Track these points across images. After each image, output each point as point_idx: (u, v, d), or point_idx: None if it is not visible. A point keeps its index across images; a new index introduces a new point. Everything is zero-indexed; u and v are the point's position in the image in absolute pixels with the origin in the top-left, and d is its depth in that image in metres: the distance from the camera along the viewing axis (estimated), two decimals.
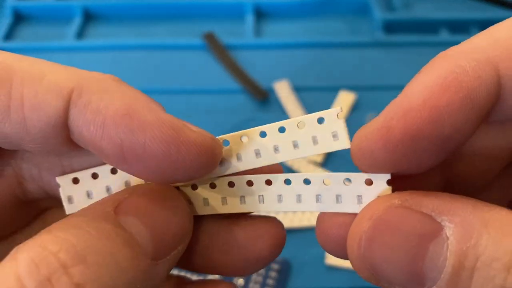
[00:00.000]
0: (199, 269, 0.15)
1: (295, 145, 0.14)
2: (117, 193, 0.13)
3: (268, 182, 0.14)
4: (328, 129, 0.13)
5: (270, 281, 0.28)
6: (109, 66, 0.40)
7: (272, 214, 0.15)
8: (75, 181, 0.14)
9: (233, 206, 0.14)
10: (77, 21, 0.44)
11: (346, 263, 0.28)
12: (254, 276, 0.28)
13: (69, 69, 0.13)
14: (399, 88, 0.44)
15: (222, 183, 0.14)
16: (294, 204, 0.14)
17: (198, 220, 0.14)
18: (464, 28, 0.44)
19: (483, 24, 0.43)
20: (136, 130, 0.12)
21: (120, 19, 0.45)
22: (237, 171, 0.14)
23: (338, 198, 0.13)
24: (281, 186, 0.14)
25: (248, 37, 0.43)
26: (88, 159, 0.14)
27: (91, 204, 0.13)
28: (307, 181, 0.14)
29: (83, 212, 0.12)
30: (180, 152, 0.12)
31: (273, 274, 0.28)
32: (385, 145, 0.12)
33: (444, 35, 0.43)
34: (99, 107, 0.12)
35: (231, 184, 0.14)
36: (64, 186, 0.14)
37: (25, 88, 0.12)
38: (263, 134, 0.14)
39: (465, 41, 0.12)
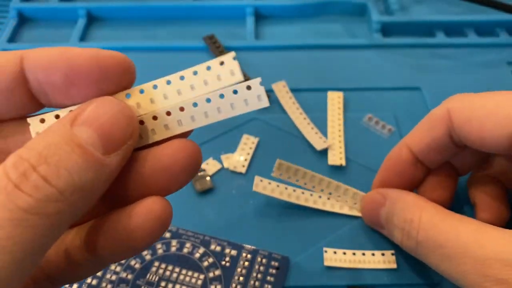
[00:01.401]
0: (136, 195, 0.18)
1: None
2: (73, 110, 0.17)
3: (181, 109, 0.18)
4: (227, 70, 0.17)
5: (270, 278, 0.28)
6: None
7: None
8: (42, 121, 0.18)
9: (162, 133, 0.18)
10: (80, 23, 0.45)
11: (343, 264, 0.29)
12: (255, 274, 0.28)
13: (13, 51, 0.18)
14: (396, 89, 0.45)
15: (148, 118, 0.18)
16: (204, 119, 0.18)
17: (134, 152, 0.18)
18: (460, 31, 0.44)
19: (479, 27, 0.44)
20: (72, 58, 0.17)
21: (123, 21, 0.46)
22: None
23: (232, 105, 0.17)
24: (191, 109, 0.18)
25: (248, 39, 0.43)
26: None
27: (54, 123, 0.16)
28: (208, 100, 0.17)
29: (47, 129, 0.16)
30: (104, 62, 0.17)
31: (273, 271, 0.28)
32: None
33: (440, 37, 0.44)
34: (43, 54, 0.17)
35: (155, 118, 0.18)
36: (33, 124, 0.18)
37: None
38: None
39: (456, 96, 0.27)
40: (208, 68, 0.17)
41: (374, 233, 0.30)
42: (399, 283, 0.28)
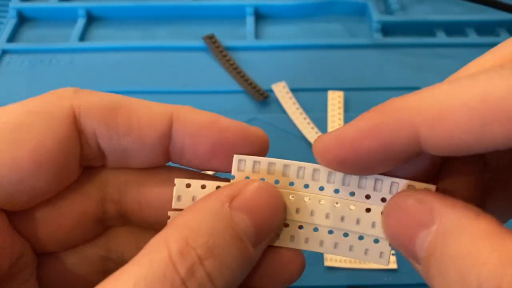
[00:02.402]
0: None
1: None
2: (229, 187, 0.16)
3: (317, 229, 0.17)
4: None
5: None
6: (112, 68, 0.41)
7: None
8: (188, 186, 0.17)
9: (286, 242, 0.17)
10: (80, 23, 0.45)
11: (344, 264, 0.29)
12: None
13: (163, 104, 0.18)
14: (396, 89, 0.45)
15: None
16: (331, 249, 0.17)
17: None
18: (460, 30, 0.44)
19: (480, 26, 0.44)
20: (222, 130, 0.17)
21: (123, 21, 0.46)
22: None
23: (350, 248, 0.17)
24: (325, 234, 0.17)
25: (248, 39, 0.43)
26: (161, 190, 0.18)
27: (209, 195, 0.16)
28: (345, 234, 0.17)
29: (206, 205, 0.15)
30: (251, 140, 0.17)
31: None
32: (325, 160, 0.16)
33: (441, 37, 0.44)
34: (193, 118, 0.17)
35: (285, 225, 0.17)
36: (178, 186, 0.17)
37: (141, 112, 0.17)
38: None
39: (404, 98, 0.15)
40: (368, 210, 0.17)
41: None
42: (399, 283, 0.28)
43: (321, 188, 0.17)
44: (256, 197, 0.16)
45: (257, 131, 0.18)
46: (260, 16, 0.46)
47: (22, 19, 0.46)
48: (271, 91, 0.39)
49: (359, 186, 0.17)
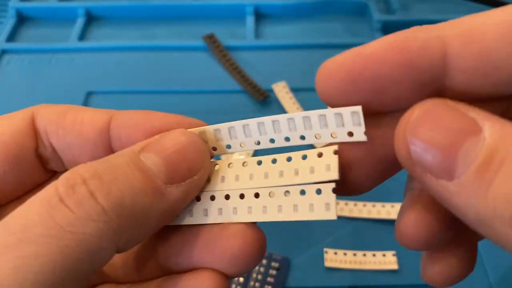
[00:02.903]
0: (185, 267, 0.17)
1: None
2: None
3: (257, 195, 0.16)
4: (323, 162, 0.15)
5: (269, 279, 0.28)
6: (111, 67, 0.41)
7: None
8: None
9: (229, 216, 0.16)
10: (80, 22, 0.45)
11: (344, 265, 0.29)
12: (254, 275, 0.28)
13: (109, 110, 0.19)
14: None
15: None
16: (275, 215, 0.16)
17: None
18: None
19: None
20: (155, 120, 0.17)
21: (122, 20, 0.46)
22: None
23: (295, 207, 0.16)
24: (267, 199, 0.16)
25: (248, 39, 0.43)
26: None
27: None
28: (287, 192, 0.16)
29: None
30: (185, 128, 0.17)
31: (273, 272, 0.28)
32: (334, 77, 0.15)
33: None
34: (130, 115, 0.17)
35: (227, 197, 0.16)
36: None
37: (85, 114, 0.18)
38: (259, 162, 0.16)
39: (432, 25, 0.14)
40: (304, 157, 0.15)
41: (375, 234, 0.30)
42: (400, 284, 0.28)
43: (258, 143, 0.16)
44: (168, 140, 0.16)
45: (194, 121, 0.17)
46: (260, 16, 0.46)
47: (22, 19, 0.46)
48: (271, 91, 0.39)
49: (289, 129, 0.15)
